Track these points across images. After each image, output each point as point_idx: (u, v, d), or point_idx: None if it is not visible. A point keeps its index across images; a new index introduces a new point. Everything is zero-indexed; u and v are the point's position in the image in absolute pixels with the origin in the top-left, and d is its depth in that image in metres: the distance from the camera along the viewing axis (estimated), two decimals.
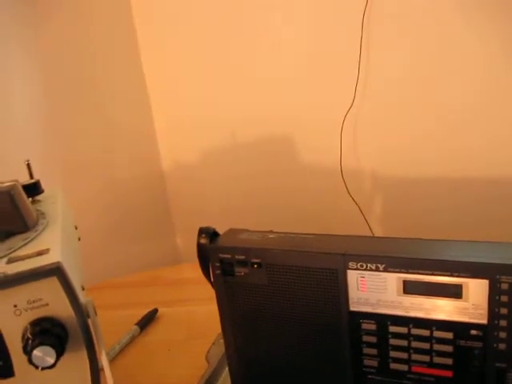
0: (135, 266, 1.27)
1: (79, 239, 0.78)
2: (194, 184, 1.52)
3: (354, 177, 1.32)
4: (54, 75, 1.22)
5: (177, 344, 0.84)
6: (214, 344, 0.79)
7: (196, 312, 0.92)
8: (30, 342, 0.46)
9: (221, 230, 0.64)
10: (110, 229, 1.36)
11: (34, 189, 0.71)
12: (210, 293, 0.62)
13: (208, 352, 0.78)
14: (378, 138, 1.29)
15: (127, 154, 1.42)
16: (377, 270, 0.51)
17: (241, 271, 0.58)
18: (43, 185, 0.75)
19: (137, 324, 0.89)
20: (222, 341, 0.64)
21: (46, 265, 0.48)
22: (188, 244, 1.51)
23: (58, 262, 0.48)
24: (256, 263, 0.57)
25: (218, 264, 0.59)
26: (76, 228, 0.78)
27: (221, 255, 0.59)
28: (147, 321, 0.91)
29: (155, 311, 0.94)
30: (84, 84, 1.30)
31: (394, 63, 1.22)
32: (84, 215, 1.20)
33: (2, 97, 1.11)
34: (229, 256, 0.58)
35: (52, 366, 0.47)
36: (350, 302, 0.54)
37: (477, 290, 0.47)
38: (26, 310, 0.48)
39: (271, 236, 0.60)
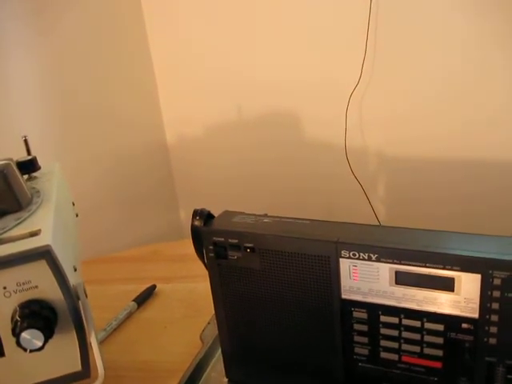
0: (137, 239, 1.28)
1: (77, 215, 0.78)
2: (198, 158, 1.51)
3: (359, 157, 1.30)
4: (53, 46, 1.21)
5: (173, 321, 0.84)
6: (209, 323, 0.79)
7: (195, 289, 0.92)
8: (19, 324, 0.47)
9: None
10: (113, 202, 1.36)
11: (30, 165, 0.70)
12: None
13: (203, 331, 0.78)
14: (384, 117, 1.27)
15: (131, 126, 1.41)
16: (369, 259, 0.50)
17: (234, 255, 0.58)
18: (45, 159, 0.74)
19: (134, 300, 0.89)
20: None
21: (36, 248, 0.48)
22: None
23: (48, 245, 0.48)
24: (249, 247, 0.57)
25: (211, 247, 0.59)
26: (73, 204, 0.78)
27: (214, 238, 0.59)
28: (145, 297, 0.91)
29: (153, 287, 0.94)
30: (86, 54, 1.28)
31: (402, 41, 1.20)
32: (84, 188, 1.20)
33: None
34: (222, 239, 0.58)
35: (40, 349, 0.47)
36: (342, 289, 0.53)
37: (469, 284, 0.46)
38: (16, 292, 0.48)
39: (265, 220, 0.59)
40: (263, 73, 1.35)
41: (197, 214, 0.60)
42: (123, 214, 1.39)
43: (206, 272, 0.62)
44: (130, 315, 0.87)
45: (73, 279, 0.52)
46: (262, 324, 0.60)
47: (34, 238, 0.51)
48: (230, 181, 1.48)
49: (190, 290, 0.93)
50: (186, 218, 1.56)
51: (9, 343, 0.49)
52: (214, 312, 0.63)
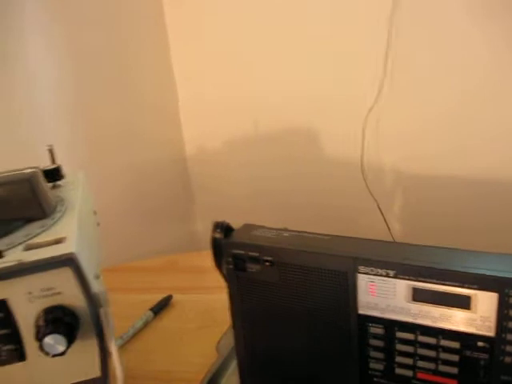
0: (155, 250, 1.29)
1: (98, 224, 0.79)
2: (217, 170, 1.53)
3: (375, 174, 1.31)
4: (80, 56, 1.23)
5: (189, 332, 0.85)
6: (225, 334, 0.80)
7: (210, 300, 0.93)
8: (42, 329, 0.48)
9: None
10: (133, 213, 1.38)
11: (55, 174, 0.72)
12: None
13: (219, 342, 0.79)
14: (401, 134, 1.27)
15: (151, 137, 1.43)
16: (387, 275, 0.51)
17: (253, 268, 0.59)
18: (68, 168, 0.76)
19: (151, 309, 0.90)
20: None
21: (61, 255, 0.49)
22: (209, 231, 1.52)
23: (72, 253, 0.49)
24: (268, 261, 0.57)
25: (230, 259, 0.60)
26: (95, 213, 0.79)
27: (234, 251, 0.59)
28: (161, 307, 0.92)
29: (170, 297, 0.95)
30: (111, 66, 1.31)
31: (420, 59, 1.21)
32: (106, 198, 1.22)
33: (26, 83, 1.13)
34: (242, 252, 0.59)
35: (62, 354, 0.48)
36: (359, 305, 0.54)
37: (485, 302, 0.47)
38: (40, 298, 0.49)
39: (285, 234, 0.60)
40: (281, 89, 1.36)
41: (217, 226, 0.61)
42: (142, 225, 1.40)
43: (222, 284, 0.62)
44: (146, 324, 0.88)
45: (95, 287, 0.53)
46: (278, 337, 0.60)
47: (58, 245, 0.52)
48: (246, 195, 1.49)
49: (206, 301, 0.94)
50: (203, 231, 1.57)
51: (31, 348, 0.50)
52: (229, 323, 0.63)
